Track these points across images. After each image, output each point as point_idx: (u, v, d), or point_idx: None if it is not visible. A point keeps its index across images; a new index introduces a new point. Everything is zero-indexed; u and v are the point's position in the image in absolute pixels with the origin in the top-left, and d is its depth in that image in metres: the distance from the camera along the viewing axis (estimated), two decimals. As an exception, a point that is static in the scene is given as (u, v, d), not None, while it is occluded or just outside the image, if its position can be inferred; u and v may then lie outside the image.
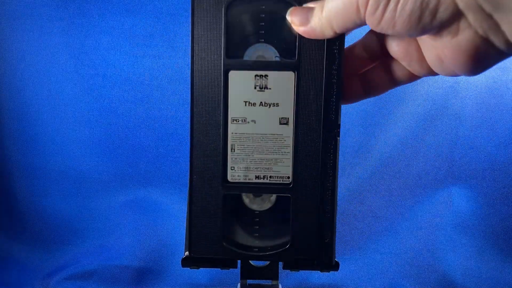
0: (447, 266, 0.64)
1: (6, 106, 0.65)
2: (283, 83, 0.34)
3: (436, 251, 0.65)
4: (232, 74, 0.34)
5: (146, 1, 0.64)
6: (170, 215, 0.66)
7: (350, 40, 0.35)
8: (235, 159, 0.35)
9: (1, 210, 0.66)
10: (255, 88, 0.34)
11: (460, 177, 0.67)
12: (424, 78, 0.65)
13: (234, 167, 0.35)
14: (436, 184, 0.67)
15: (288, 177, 0.35)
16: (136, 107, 0.66)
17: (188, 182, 0.37)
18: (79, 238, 0.66)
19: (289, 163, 0.35)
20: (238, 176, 0.35)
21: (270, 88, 0.34)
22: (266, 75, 0.34)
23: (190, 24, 0.32)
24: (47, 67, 0.65)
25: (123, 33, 0.65)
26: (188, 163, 0.37)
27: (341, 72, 0.33)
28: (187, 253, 0.37)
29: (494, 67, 0.72)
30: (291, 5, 0.32)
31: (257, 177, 0.35)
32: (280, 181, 0.35)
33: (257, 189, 0.35)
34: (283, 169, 0.35)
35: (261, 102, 0.34)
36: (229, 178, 0.35)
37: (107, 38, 0.65)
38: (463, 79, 0.65)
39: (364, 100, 0.65)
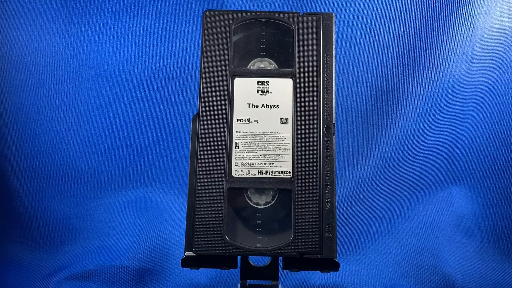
0: (447, 267, 0.64)
1: (5, 106, 0.66)
2: (282, 88, 0.38)
3: (437, 251, 0.65)
4: (237, 80, 0.38)
5: (146, 1, 0.65)
6: (170, 215, 0.66)
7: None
8: (239, 155, 0.38)
9: (1, 210, 0.66)
10: (257, 92, 0.38)
11: (461, 177, 0.67)
12: (424, 79, 0.65)
13: (238, 163, 0.37)
14: (436, 184, 0.67)
15: (289, 172, 0.37)
16: (136, 107, 0.66)
17: (188, 182, 0.37)
18: (79, 238, 0.66)
19: (290, 158, 0.38)
20: (241, 171, 0.38)
21: (271, 93, 0.38)
22: (267, 81, 0.38)
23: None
24: (47, 67, 0.65)
25: (122, 33, 0.65)
26: (188, 164, 0.37)
27: (333, 78, 0.38)
28: (187, 253, 0.37)
29: (495, 67, 0.72)
30: (287, 27, 0.39)
31: (259, 172, 0.38)
32: (281, 175, 0.37)
33: (260, 183, 0.38)
34: (284, 164, 0.38)
35: (263, 104, 0.38)
36: (233, 173, 0.37)
37: (106, 38, 0.65)
38: (464, 79, 0.65)
39: (364, 100, 0.66)
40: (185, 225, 0.37)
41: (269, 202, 0.38)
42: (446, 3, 0.65)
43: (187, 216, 0.37)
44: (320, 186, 0.37)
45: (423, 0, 0.65)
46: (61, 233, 0.67)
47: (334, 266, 0.37)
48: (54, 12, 0.65)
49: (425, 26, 0.65)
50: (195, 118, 0.38)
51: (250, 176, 0.37)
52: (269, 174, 0.37)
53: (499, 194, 0.67)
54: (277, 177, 0.37)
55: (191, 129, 0.38)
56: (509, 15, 0.65)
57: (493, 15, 0.65)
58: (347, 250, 0.66)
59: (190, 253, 0.37)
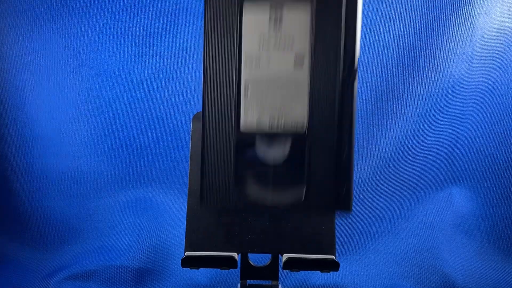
0: (447, 267, 0.64)
1: (5, 106, 0.65)
2: (298, 15, 0.31)
3: (437, 251, 0.65)
4: (247, 5, 0.31)
5: (146, 1, 0.64)
6: (170, 215, 0.66)
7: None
8: (249, 104, 0.33)
9: (1, 210, 0.66)
10: (270, 20, 0.31)
11: (461, 177, 0.67)
12: (424, 79, 0.65)
13: (247, 113, 0.33)
14: (437, 184, 0.67)
15: (303, 123, 0.33)
16: (136, 107, 0.66)
17: (188, 182, 0.37)
18: (79, 238, 0.66)
19: (304, 108, 0.32)
20: (251, 122, 0.33)
21: (285, 21, 0.31)
22: (281, 7, 0.31)
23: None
24: (47, 67, 0.65)
25: (123, 33, 0.65)
26: (188, 164, 0.37)
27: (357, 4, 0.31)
28: (187, 253, 0.37)
29: (495, 67, 0.72)
30: None
31: (270, 123, 0.33)
32: (295, 127, 0.33)
33: (271, 135, 0.33)
34: (298, 113, 0.33)
35: (275, 41, 0.31)
36: (243, 126, 0.33)
37: (106, 38, 0.65)
38: (463, 79, 0.65)
39: (364, 100, 0.66)
40: (185, 225, 0.37)
41: (281, 157, 0.34)
42: (446, 3, 0.65)
43: (187, 216, 0.37)
44: (337, 138, 0.32)
45: (423, 0, 0.65)
46: (61, 233, 0.67)
47: (334, 266, 0.37)
48: (54, 12, 0.65)
49: (425, 26, 0.65)
50: (195, 118, 0.38)
51: (261, 127, 0.33)
52: (281, 126, 0.33)
53: (499, 194, 0.67)
54: (290, 129, 0.33)
55: (191, 129, 0.38)
56: (509, 15, 0.65)
57: (493, 15, 0.65)
58: (347, 250, 0.66)
59: (190, 253, 0.36)
